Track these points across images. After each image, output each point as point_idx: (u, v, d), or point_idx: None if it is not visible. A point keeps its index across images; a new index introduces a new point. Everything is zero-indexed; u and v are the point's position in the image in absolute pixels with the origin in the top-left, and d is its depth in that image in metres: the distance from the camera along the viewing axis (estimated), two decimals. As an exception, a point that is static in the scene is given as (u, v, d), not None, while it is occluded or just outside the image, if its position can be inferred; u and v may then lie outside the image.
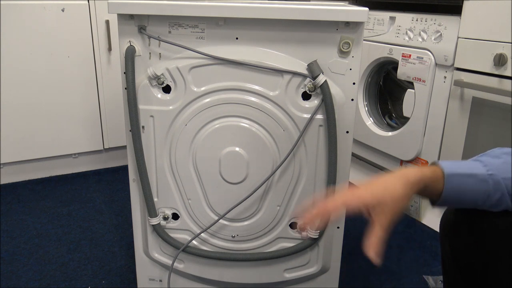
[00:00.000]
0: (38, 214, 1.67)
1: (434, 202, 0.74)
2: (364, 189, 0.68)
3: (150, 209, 1.05)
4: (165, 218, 1.08)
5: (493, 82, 1.37)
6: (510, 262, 0.72)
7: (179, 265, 1.13)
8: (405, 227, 1.63)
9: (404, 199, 0.68)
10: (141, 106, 0.99)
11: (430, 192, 0.72)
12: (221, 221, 1.06)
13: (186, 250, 1.08)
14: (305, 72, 0.94)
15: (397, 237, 1.55)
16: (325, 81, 0.92)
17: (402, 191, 0.68)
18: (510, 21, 1.31)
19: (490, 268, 0.76)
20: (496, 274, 0.75)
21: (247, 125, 0.99)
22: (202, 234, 1.08)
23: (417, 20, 1.62)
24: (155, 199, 1.06)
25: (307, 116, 0.97)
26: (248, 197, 1.02)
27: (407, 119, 1.69)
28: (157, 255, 1.12)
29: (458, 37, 1.47)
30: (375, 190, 0.67)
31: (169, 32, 0.95)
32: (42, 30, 1.74)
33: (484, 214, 0.74)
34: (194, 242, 1.09)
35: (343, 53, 0.94)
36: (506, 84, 1.34)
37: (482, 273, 0.77)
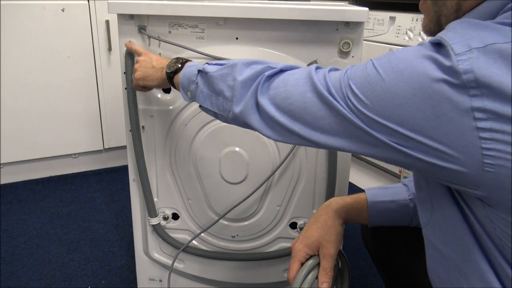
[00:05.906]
0: (38, 214, 1.67)
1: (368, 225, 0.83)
2: (300, 245, 0.74)
3: (150, 209, 1.05)
4: (165, 218, 1.08)
5: (493, 82, 1.37)
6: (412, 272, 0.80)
7: (179, 265, 1.13)
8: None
9: (335, 228, 0.76)
10: (141, 106, 0.99)
11: (360, 217, 0.80)
12: (221, 221, 1.06)
13: (186, 250, 1.08)
14: (305, 72, 0.94)
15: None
16: (325, 81, 0.92)
17: (330, 223, 0.76)
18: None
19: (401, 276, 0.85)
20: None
21: (247, 125, 0.98)
22: (202, 234, 1.08)
23: (417, 20, 1.62)
24: (155, 199, 1.06)
25: (307, 116, 0.96)
26: (248, 197, 1.02)
27: (407, 119, 1.69)
28: (157, 255, 1.12)
29: (458, 37, 1.46)
30: (308, 243, 0.74)
31: (169, 32, 0.95)
32: (42, 30, 1.74)
33: (391, 229, 0.82)
34: (194, 242, 1.09)
35: (343, 53, 0.94)
36: (506, 84, 1.34)
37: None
